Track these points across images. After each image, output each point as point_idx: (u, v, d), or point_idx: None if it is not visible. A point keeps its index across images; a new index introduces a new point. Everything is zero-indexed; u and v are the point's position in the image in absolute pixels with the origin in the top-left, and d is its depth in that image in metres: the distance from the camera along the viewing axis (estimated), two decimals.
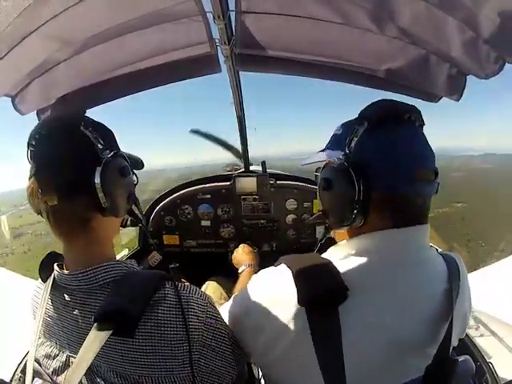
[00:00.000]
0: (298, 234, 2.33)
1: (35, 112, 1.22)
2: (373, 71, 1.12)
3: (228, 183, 2.26)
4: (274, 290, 0.74)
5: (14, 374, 1.11)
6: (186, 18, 0.97)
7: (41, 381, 0.77)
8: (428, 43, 1.01)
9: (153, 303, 0.69)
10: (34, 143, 0.73)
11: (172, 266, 1.66)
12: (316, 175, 0.93)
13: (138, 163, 0.94)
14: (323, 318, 0.65)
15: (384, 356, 0.68)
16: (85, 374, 0.68)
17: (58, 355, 0.77)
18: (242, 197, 2.28)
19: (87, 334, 0.67)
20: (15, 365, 1.14)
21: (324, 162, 0.82)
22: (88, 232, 0.74)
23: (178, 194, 2.31)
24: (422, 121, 0.76)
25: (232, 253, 2.35)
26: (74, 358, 0.74)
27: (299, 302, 0.66)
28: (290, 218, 2.30)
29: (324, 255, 0.80)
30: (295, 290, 0.68)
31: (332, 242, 0.87)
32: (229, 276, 2.02)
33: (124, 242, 2.31)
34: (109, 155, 0.74)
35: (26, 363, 1.02)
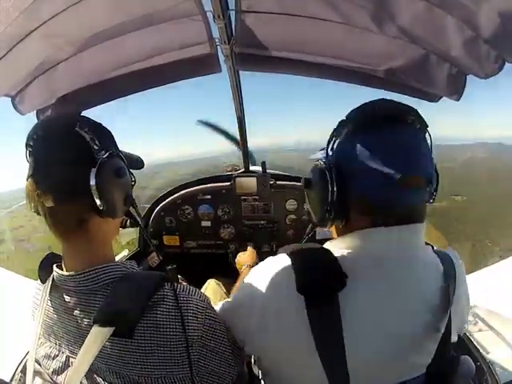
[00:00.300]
0: (297, 234, 2.33)
1: (35, 112, 1.22)
2: (373, 71, 1.12)
3: (228, 183, 2.26)
4: (274, 277, 0.74)
5: (14, 374, 1.11)
6: (186, 18, 0.97)
7: (41, 381, 0.77)
8: (428, 43, 1.00)
9: (152, 304, 0.69)
10: (31, 144, 0.73)
11: (169, 267, 1.66)
12: None
13: (137, 163, 0.94)
14: (322, 305, 0.65)
15: (384, 349, 0.68)
16: (85, 375, 0.68)
17: (57, 355, 0.77)
18: (242, 197, 2.28)
19: (87, 335, 0.67)
20: (15, 365, 1.14)
21: None
22: (85, 233, 0.74)
23: (178, 194, 2.31)
24: (422, 122, 0.72)
25: (232, 254, 2.36)
26: (74, 358, 0.74)
27: (298, 289, 0.66)
28: (290, 218, 2.30)
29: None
30: (294, 277, 0.68)
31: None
32: (229, 277, 2.02)
33: (124, 242, 2.30)
34: (104, 156, 0.73)
35: (26, 363, 1.02)
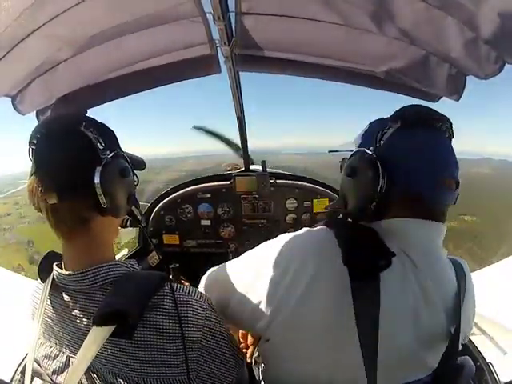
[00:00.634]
0: None
1: (35, 112, 1.22)
2: (373, 72, 1.12)
3: (228, 182, 2.26)
4: (316, 242, 0.74)
5: (14, 375, 1.11)
6: (186, 19, 0.96)
7: (41, 381, 0.77)
8: (428, 43, 1.00)
9: (151, 305, 0.69)
10: (35, 142, 0.73)
11: (172, 266, 1.66)
12: (341, 164, 0.92)
13: (139, 164, 0.94)
14: (365, 281, 0.65)
15: (405, 341, 0.68)
16: (84, 375, 0.68)
17: (58, 356, 0.77)
18: (242, 196, 2.28)
19: (87, 335, 0.67)
20: (15, 365, 1.14)
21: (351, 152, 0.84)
22: (87, 232, 0.74)
23: (178, 193, 2.31)
24: (452, 133, 0.78)
25: (232, 253, 2.36)
26: (74, 358, 0.74)
27: (345, 262, 0.65)
28: (290, 217, 2.30)
29: None
30: (337, 248, 0.68)
31: None
32: None
33: (124, 242, 2.31)
34: (109, 155, 0.74)
35: (26, 363, 1.03)
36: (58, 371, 0.76)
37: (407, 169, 0.72)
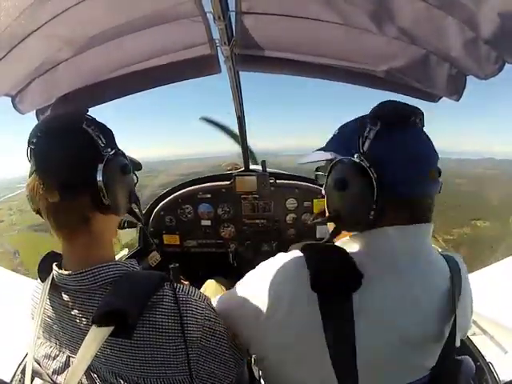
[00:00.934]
0: (298, 233, 2.33)
1: (34, 112, 1.22)
2: (373, 71, 1.12)
3: (228, 182, 2.26)
4: (287, 272, 0.74)
5: (14, 375, 1.11)
6: (187, 19, 0.97)
7: (41, 381, 0.77)
8: (428, 43, 1.00)
9: (151, 304, 0.69)
10: (34, 141, 0.72)
11: (172, 265, 1.66)
12: (318, 174, 0.92)
13: (135, 165, 0.94)
14: (336, 304, 0.65)
15: (394, 350, 0.68)
16: (84, 375, 0.68)
17: (57, 355, 0.77)
18: (242, 196, 2.28)
19: (86, 335, 0.67)
20: (15, 365, 1.14)
21: (328, 161, 0.80)
22: (88, 231, 0.74)
23: (178, 193, 2.31)
24: (423, 122, 0.76)
25: (232, 253, 2.36)
26: (75, 358, 0.74)
27: (312, 287, 0.65)
28: (290, 217, 2.30)
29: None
30: (308, 273, 0.67)
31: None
32: (229, 276, 2.02)
33: (124, 241, 2.31)
34: (110, 153, 0.74)
35: (26, 363, 1.03)
36: (58, 371, 0.76)
37: (394, 170, 0.70)
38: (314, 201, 2.22)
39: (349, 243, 0.76)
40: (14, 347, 1.23)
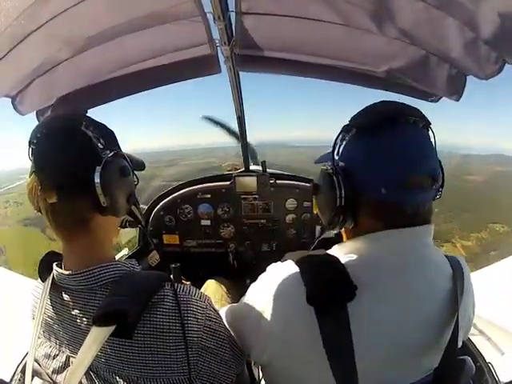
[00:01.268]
0: (297, 233, 2.33)
1: (34, 112, 1.22)
2: (373, 71, 1.12)
3: (228, 183, 2.26)
4: (283, 287, 0.74)
5: (14, 374, 1.11)
6: (186, 19, 0.96)
7: (41, 381, 0.77)
8: (428, 43, 1.00)
9: (151, 305, 0.69)
10: (35, 141, 0.73)
11: (173, 265, 1.66)
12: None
13: (138, 164, 0.94)
14: (332, 316, 0.65)
15: (392, 356, 0.68)
16: (84, 375, 0.68)
17: (57, 355, 0.77)
18: (242, 196, 2.28)
19: (87, 334, 0.67)
20: (15, 365, 1.14)
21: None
22: (88, 232, 0.74)
23: (178, 193, 2.31)
24: (425, 121, 0.72)
25: (232, 253, 2.36)
26: (74, 358, 0.74)
27: (308, 300, 0.66)
28: (290, 217, 2.31)
29: (329, 252, 0.80)
30: (303, 287, 0.68)
31: (329, 241, 0.88)
32: (229, 276, 2.03)
33: (124, 241, 2.31)
34: (109, 155, 0.74)
35: (26, 363, 1.02)
36: (58, 371, 0.76)
37: (368, 175, 0.70)
38: (314, 201, 2.21)
39: (344, 248, 0.77)
40: (13, 347, 1.23)
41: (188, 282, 1.69)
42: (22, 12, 0.77)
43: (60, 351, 0.77)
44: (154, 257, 2.23)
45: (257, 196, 2.27)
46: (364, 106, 0.77)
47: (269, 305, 0.73)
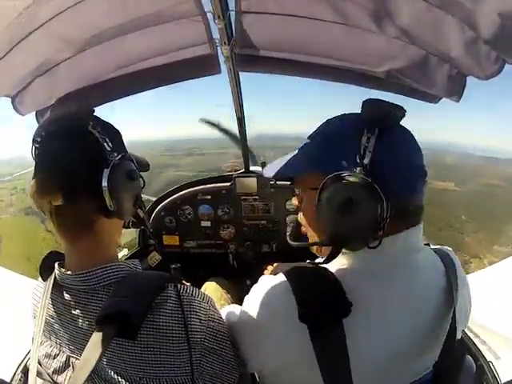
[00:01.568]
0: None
1: (34, 113, 1.22)
2: (372, 72, 1.12)
3: (228, 184, 2.26)
4: (274, 305, 0.72)
5: (14, 374, 1.11)
6: (186, 19, 0.96)
7: (41, 380, 0.77)
8: (428, 43, 1.00)
9: (155, 305, 0.69)
10: (39, 140, 0.72)
11: (174, 266, 1.66)
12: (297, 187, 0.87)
13: (143, 165, 0.94)
14: (326, 333, 0.64)
15: (390, 363, 0.67)
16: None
17: (58, 355, 0.77)
18: (243, 197, 2.28)
19: (88, 335, 0.67)
20: (15, 365, 1.14)
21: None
22: (92, 234, 0.74)
23: (178, 194, 2.31)
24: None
25: (232, 254, 2.36)
26: (75, 358, 0.74)
27: (300, 318, 0.64)
28: (290, 218, 2.30)
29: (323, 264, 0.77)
30: (295, 305, 0.66)
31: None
32: (229, 277, 2.02)
33: (124, 242, 2.31)
34: (117, 157, 0.73)
35: (26, 363, 1.02)
36: (59, 371, 0.76)
37: (398, 178, 0.66)
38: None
39: (336, 260, 0.73)
40: (14, 347, 1.23)
41: (188, 284, 1.69)
42: (21, 12, 0.77)
43: (60, 351, 0.77)
44: (154, 257, 2.23)
45: (257, 197, 2.27)
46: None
47: (263, 325, 0.73)
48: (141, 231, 2.33)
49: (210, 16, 0.93)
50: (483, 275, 2.00)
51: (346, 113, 0.77)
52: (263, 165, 2.25)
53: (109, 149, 0.73)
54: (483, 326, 1.38)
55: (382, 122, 0.66)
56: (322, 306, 0.65)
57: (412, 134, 0.72)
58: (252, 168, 2.40)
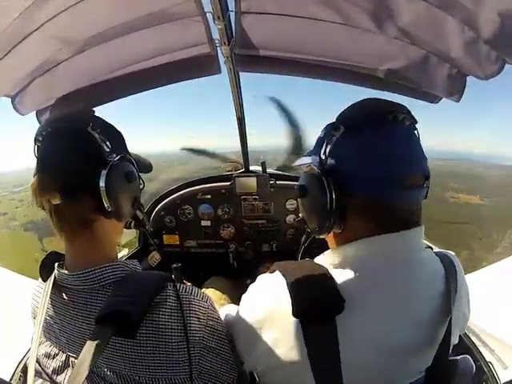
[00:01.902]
0: (297, 234, 2.33)
1: (34, 112, 1.22)
2: (373, 71, 1.12)
3: (228, 183, 2.26)
4: (269, 302, 0.73)
5: (13, 374, 1.11)
6: (186, 19, 0.96)
7: (40, 380, 0.77)
8: (428, 43, 1.00)
9: (154, 305, 0.69)
10: (40, 139, 0.73)
11: (174, 265, 1.67)
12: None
13: (146, 167, 0.94)
14: (319, 330, 0.64)
15: (383, 363, 0.67)
16: None
17: (57, 355, 0.77)
18: (242, 197, 2.28)
19: (87, 334, 0.67)
20: (15, 364, 1.14)
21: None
22: (91, 233, 0.74)
23: (178, 194, 2.32)
24: (413, 119, 0.71)
25: (232, 253, 2.36)
26: (74, 357, 0.74)
27: (294, 314, 0.65)
28: (290, 218, 2.31)
29: (317, 260, 0.78)
30: (290, 301, 0.66)
31: (317, 246, 0.85)
32: (229, 276, 2.03)
33: (124, 241, 2.31)
34: (115, 158, 0.74)
35: (26, 363, 1.02)
36: (58, 370, 0.76)
37: (361, 176, 0.67)
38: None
39: (333, 256, 0.75)
40: (13, 347, 1.23)
41: (188, 284, 1.69)
42: (22, 12, 0.77)
43: (60, 351, 0.77)
44: (154, 257, 2.23)
45: (257, 196, 2.28)
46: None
47: (258, 322, 0.73)
48: (141, 231, 2.33)
49: (209, 16, 0.93)
50: (483, 275, 2.00)
51: None
52: (263, 164, 2.25)
53: (108, 150, 0.74)
54: (483, 327, 1.38)
55: (347, 120, 0.70)
56: (314, 302, 0.66)
57: (402, 138, 0.69)
58: (252, 168, 2.40)
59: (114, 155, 0.75)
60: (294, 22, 1.00)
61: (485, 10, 0.80)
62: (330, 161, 0.71)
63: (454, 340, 0.74)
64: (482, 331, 1.33)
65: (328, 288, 0.66)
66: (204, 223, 2.35)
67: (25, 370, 1.10)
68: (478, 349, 1.22)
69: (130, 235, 2.37)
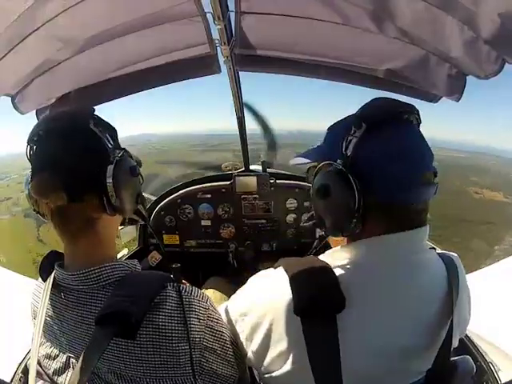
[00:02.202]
0: (297, 233, 2.33)
1: (34, 111, 1.23)
2: (373, 71, 1.12)
3: (228, 182, 2.26)
4: (270, 296, 0.72)
5: (14, 375, 1.11)
6: (186, 19, 0.97)
7: (41, 381, 0.77)
8: (428, 43, 1.00)
9: (154, 305, 0.69)
10: (35, 139, 0.71)
11: (174, 265, 1.67)
12: (307, 176, 0.88)
13: (137, 162, 0.94)
14: (319, 327, 0.63)
15: (384, 363, 0.67)
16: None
17: (58, 355, 0.77)
18: (243, 196, 2.28)
19: (88, 335, 0.66)
20: (15, 365, 1.14)
21: (316, 165, 0.77)
22: (93, 232, 0.74)
23: (178, 193, 2.31)
24: (420, 119, 0.72)
25: (232, 253, 2.36)
26: (75, 358, 0.73)
27: (294, 310, 0.64)
28: (290, 217, 2.30)
29: (322, 258, 0.78)
30: (291, 297, 0.66)
31: (326, 245, 0.86)
32: (229, 276, 2.03)
33: (123, 242, 2.31)
34: (119, 154, 0.74)
35: (26, 363, 1.02)
36: (59, 371, 0.75)
37: (383, 175, 0.66)
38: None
39: (338, 254, 0.75)
40: (13, 347, 1.23)
41: (188, 284, 1.69)
42: (22, 12, 0.77)
43: (60, 351, 0.77)
44: (154, 257, 2.23)
45: (257, 196, 2.27)
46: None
47: (255, 314, 0.73)
48: (141, 230, 2.33)
49: (209, 16, 0.93)
50: (483, 275, 2.00)
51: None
52: (263, 163, 2.25)
53: (110, 146, 0.73)
54: (483, 327, 1.38)
55: (369, 118, 0.69)
56: (315, 299, 0.65)
57: (417, 137, 0.70)
58: (252, 167, 2.40)
59: (117, 151, 0.74)
60: (293, 22, 1.00)
61: (485, 10, 0.80)
62: (354, 159, 0.67)
63: (455, 343, 0.74)
64: (482, 331, 1.33)
65: (330, 285, 0.66)
66: (204, 223, 2.34)
67: (25, 371, 1.10)
68: (478, 349, 1.22)
69: (130, 235, 2.37)
